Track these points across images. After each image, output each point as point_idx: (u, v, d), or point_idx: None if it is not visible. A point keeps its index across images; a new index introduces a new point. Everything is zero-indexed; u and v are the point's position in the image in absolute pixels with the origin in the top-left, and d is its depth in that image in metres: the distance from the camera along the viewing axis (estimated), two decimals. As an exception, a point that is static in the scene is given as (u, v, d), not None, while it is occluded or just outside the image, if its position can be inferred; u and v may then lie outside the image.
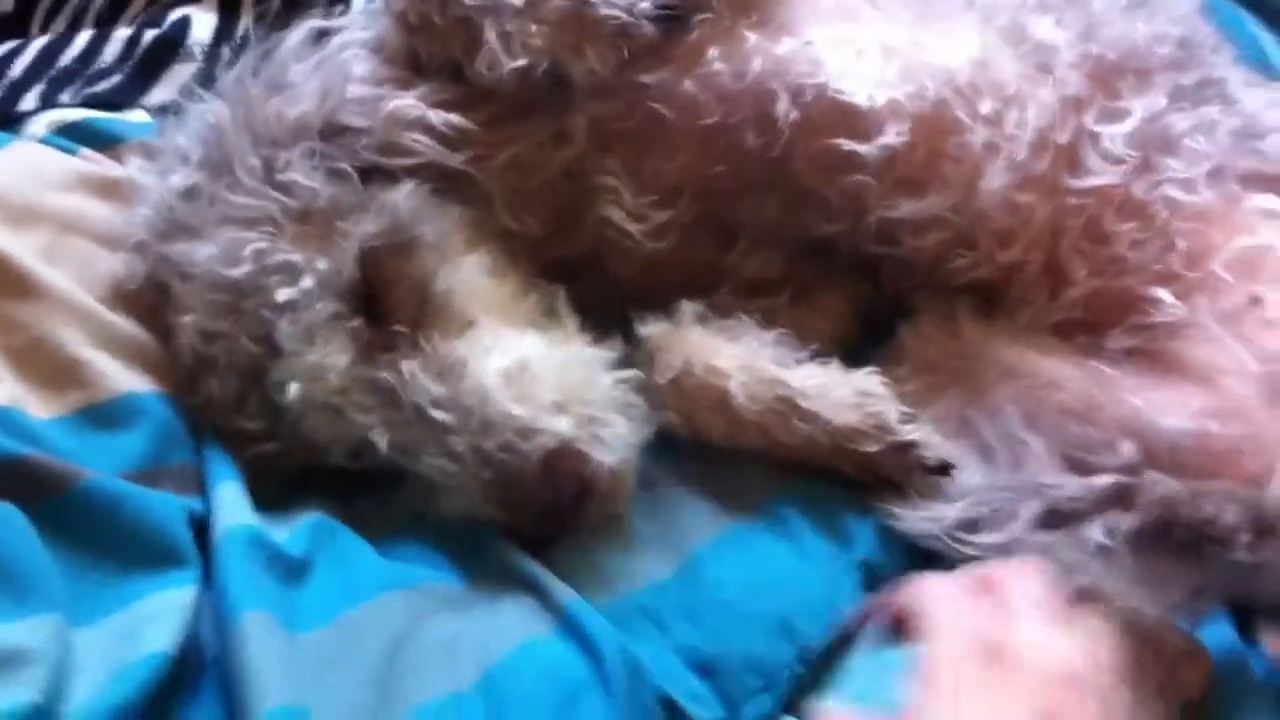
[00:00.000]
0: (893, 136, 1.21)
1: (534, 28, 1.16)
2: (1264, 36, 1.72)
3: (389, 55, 1.22)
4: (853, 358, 1.25)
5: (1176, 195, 1.24)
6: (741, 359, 1.20)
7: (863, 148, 1.20)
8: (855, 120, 1.21)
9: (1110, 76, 1.27)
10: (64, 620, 0.94)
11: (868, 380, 1.20)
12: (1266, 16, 1.74)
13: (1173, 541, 1.11)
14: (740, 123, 1.22)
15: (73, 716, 0.89)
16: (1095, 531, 1.11)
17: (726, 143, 1.23)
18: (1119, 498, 1.13)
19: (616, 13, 1.16)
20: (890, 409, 1.19)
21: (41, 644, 0.91)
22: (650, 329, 1.21)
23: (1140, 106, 1.26)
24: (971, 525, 1.15)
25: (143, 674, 0.92)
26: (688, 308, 1.22)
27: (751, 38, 1.22)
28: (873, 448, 1.18)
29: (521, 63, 1.16)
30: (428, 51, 1.20)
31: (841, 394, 1.19)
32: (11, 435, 1.03)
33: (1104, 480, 1.13)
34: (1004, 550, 1.13)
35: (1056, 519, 1.14)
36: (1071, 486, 1.14)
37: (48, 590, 0.94)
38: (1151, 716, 1.06)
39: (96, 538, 1.01)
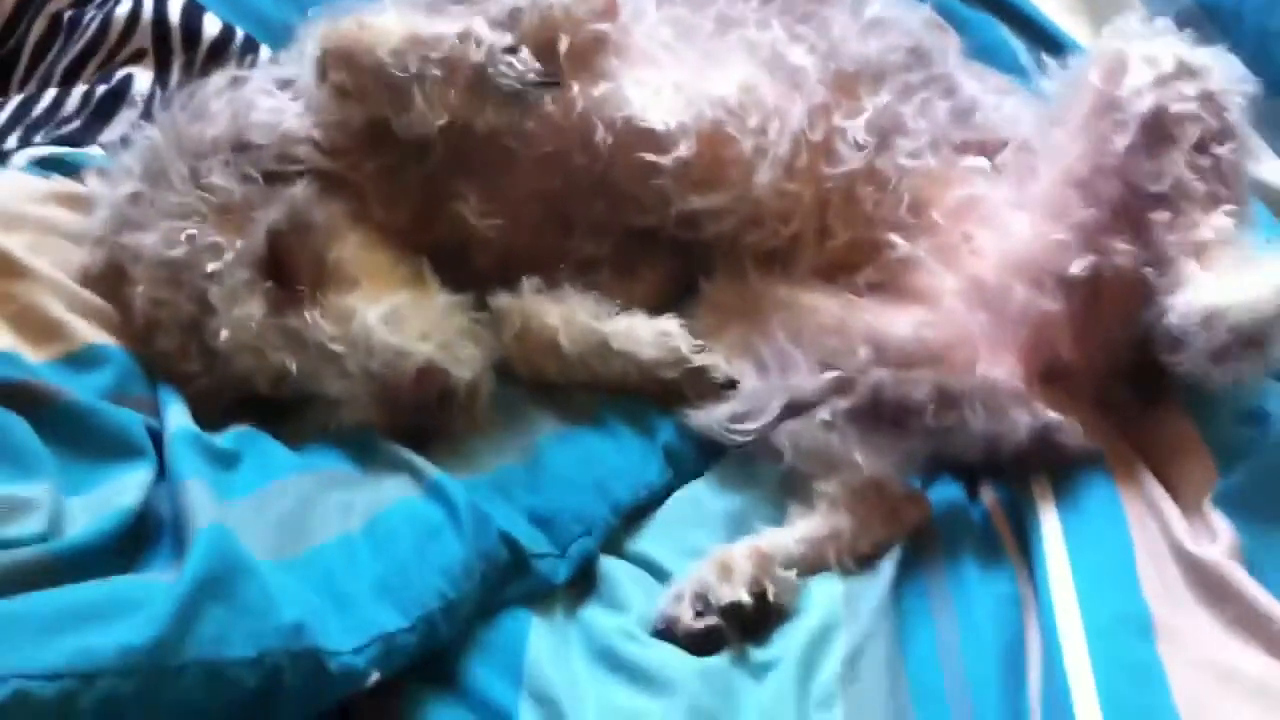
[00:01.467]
0: (683, 150, 1.49)
1: (451, 94, 1.39)
2: (1014, 42, 2.08)
3: (315, 113, 1.45)
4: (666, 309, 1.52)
5: (905, 163, 1.53)
6: (566, 315, 1.47)
7: (662, 160, 1.49)
8: (654, 140, 1.49)
9: (849, 84, 1.56)
10: (59, 488, 1.19)
11: (666, 323, 1.49)
12: (1016, 26, 2.11)
13: (882, 416, 1.38)
14: (570, 147, 1.50)
15: (67, 544, 1.12)
16: (823, 413, 1.39)
17: (560, 162, 1.51)
18: (841, 388, 1.40)
19: (512, 81, 1.40)
20: (684, 342, 1.47)
21: (44, 497, 1.15)
22: (499, 299, 1.48)
23: (873, 104, 1.54)
24: (739, 418, 1.43)
25: (115, 521, 1.16)
26: (528, 283, 1.49)
27: (575, 85, 1.49)
28: (672, 374, 1.47)
29: (444, 121, 1.40)
30: (359, 114, 1.43)
31: (645, 335, 1.47)
32: (13, 368, 1.28)
33: (829, 375, 1.41)
34: (762, 434, 1.41)
35: (796, 408, 1.41)
36: (805, 381, 1.42)
37: (46, 467, 1.19)
38: (877, 539, 1.38)
39: (78, 438, 1.25)
